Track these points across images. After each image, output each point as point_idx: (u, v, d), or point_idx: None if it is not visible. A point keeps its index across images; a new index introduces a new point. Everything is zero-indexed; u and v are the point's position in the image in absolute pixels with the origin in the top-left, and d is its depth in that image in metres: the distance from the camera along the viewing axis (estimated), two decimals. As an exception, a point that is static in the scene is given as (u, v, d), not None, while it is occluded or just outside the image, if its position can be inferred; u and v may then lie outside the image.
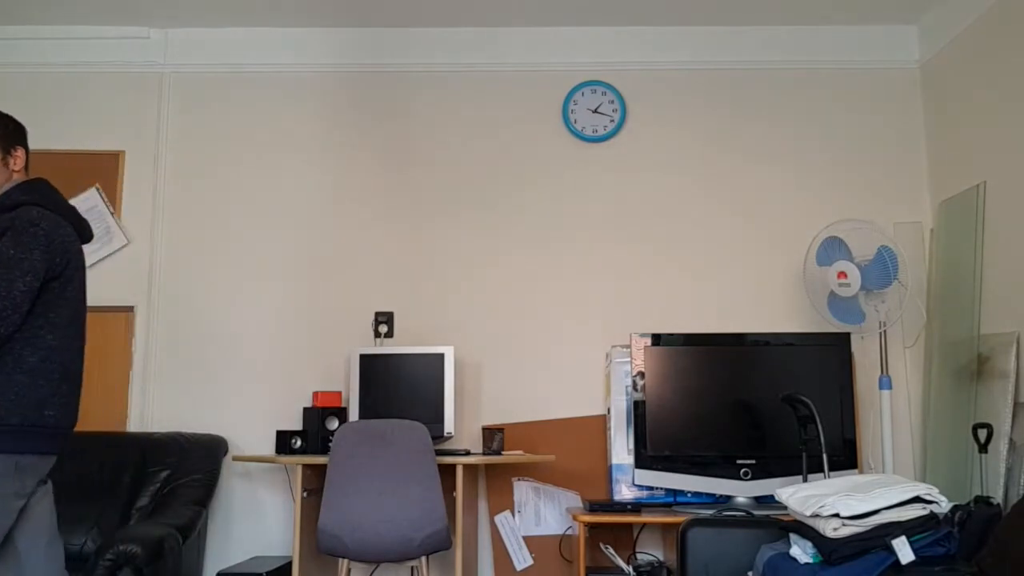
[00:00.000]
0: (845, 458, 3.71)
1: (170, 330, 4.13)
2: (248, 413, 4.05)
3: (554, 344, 4.11)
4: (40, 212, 2.44)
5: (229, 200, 4.22)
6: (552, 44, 4.29)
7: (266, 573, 3.48)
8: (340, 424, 3.66)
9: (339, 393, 3.88)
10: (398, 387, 3.83)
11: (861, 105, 4.26)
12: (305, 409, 3.81)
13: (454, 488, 3.45)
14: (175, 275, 4.16)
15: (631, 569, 3.61)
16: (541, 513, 3.94)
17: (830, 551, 2.56)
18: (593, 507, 3.57)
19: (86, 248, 4.11)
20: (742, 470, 3.69)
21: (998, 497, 3.29)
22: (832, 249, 3.78)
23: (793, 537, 2.75)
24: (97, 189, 4.18)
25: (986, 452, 3.36)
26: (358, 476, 3.27)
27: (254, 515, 4.00)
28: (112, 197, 4.19)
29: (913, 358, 4.09)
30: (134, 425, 4.05)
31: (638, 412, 3.75)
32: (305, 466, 3.55)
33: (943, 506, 2.61)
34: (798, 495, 2.75)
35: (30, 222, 2.40)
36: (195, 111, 4.28)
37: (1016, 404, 3.40)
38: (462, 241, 4.19)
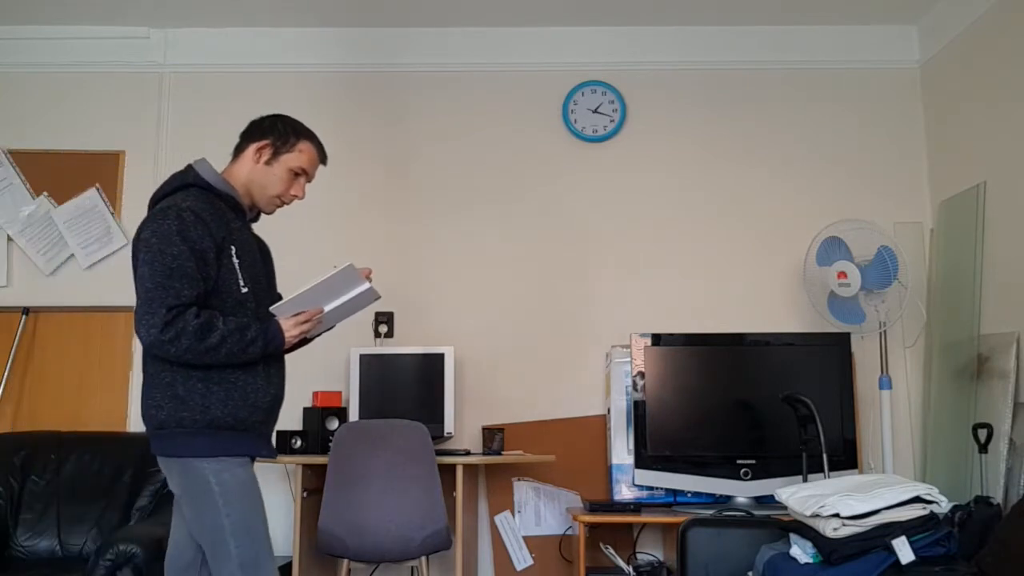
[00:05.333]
0: (845, 458, 3.71)
1: (170, 330, 4.12)
2: (248, 413, 4.05)
3: (554, 344, 4.11)
4: None
5: (229, 200, 4.22)
6: (552, 44, 4.29)
7: (266, 573, 3.48)
8: (340, 424, 3.66)
9: (339, 393, 3.87)
10: (398, 387, 3.83)
11: (861, 105, 4.26)
12: (305, 409, 3.81)
13: (454, 488, 3.45)
14: (175, 275, 4.16)
15: (631, 569, 3.61)
16: (541, 513, 3.94)
17: (830, 551, 2.56)
18: (593, 507, 3.57)
19: (86, 248, 4.12)
20: (742, 470, 3.69)
21: (998, 497, 3.28)
22: (832, 249, 3.78)
23: (793, 537, 2.75)
24: (97, 189, 4.18)
25: (986, 452, 3.36)
26: (358, 476, 3.27)
27: (254, 515, 4.00)
28: (112, 197, 4.19)
29: (913, 358, 4.08)
30: (134, 425, 4.05)
31: (638, 412, 3.75)
32: (305, 466, 3.55)
33: (943, 506, 2.62)
34: (798, 495, 2.75)
35: None
36: (195, 111, 4.28)
37: (1016, 404, 3.40)
38: (462, 241, 4.18)
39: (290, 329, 2.38)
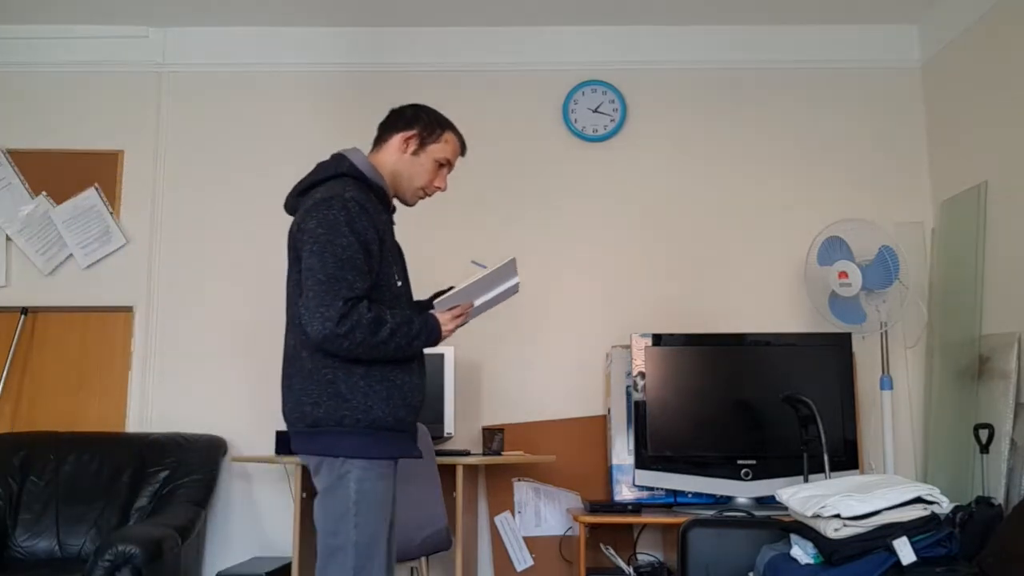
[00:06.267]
0: (846, 458, 3.70)
1: (169, 330, 4.12)
2: (248, 413, 4.04)
3: (554, 344, 4.11)
4: None
5: (228, 200, 4.21)
6: (552, 44, 4.28)
7: (266, 573, 3.48)
8: (340, 424, 3.65)
9: (339, 393, 3.86)
10: (398, 387, 3.81)
11: (861, 105, 4.26)
12: (305, 409, 3.79)
13: (454, 488, 3.44)
14: (174, 275, 4.16)
15: (631, 570, 3.60)
16: (541, 513, 3.93)
17: (831, 552, 2.56)
18: (593, 507, 3.57)
19: (85, 248, 4.12)
20: (743, 470, 3.68)
21: (999, 498, 3.28)
22: (833, 249, 3.78)
23: (794, 538, 2.75)
24: (96, 189, 4.17)
25: (987, 452, 3.36)
26: (358, 476, 3.26)
27: (254, 515, 4.00)
28: (111, 197, 4.18)
29: (914, 358, 4.08)
30: (133, 425, 4.05)
31: (638, 412, 3.74)
32: (305, 466, 3.54)
33: (944, 507, 2.61)
34: (799, 495, 2.75)
35: None
36: (195, 111, 4.27)
37: (1017, 404, 3.39)
38: (461, 241, 4.17)
39: (447, 323, 2.34)
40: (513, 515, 3.93)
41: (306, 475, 3.56)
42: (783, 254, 4.14)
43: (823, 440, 3.35)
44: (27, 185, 4.16)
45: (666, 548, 3.87)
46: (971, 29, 3.84)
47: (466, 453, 3.60)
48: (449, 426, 3.77)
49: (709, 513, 3.26)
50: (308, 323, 2.18)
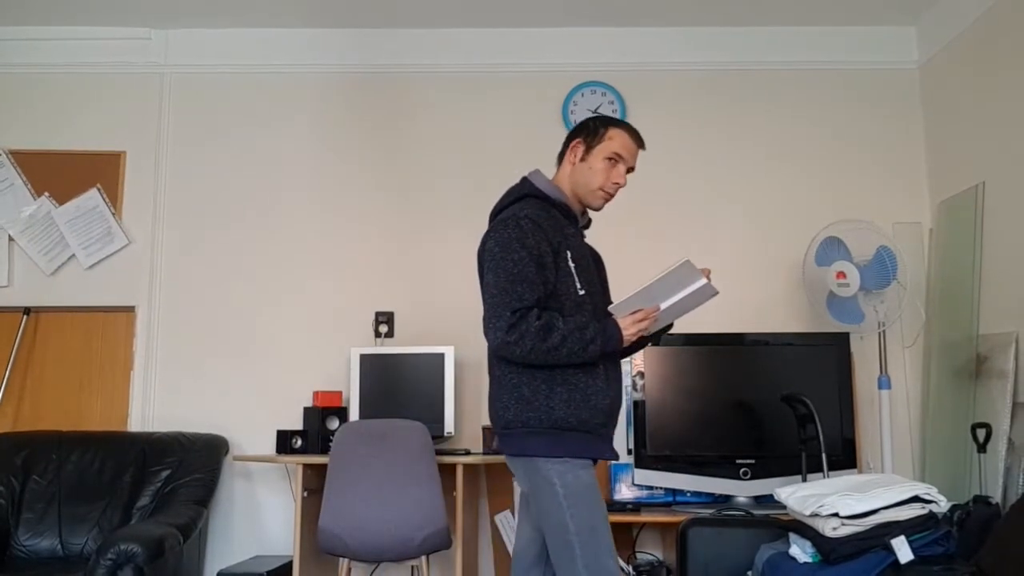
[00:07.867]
0: (844, 458, 3.72)
1: (171, 330, 4.13)
2: (248, 413, 4.06)
3: (554, 344, 4.11)
4: None
5: (229, 200, 4.22)
6: (552, 44, 4.29)
7: (266, 573, 3.49)
8: (340, 424, 3.67)
9: (339, 393, 3.88)
10: (398, 387, 3.83)
11: (861, 105, 4.27)
12: (305, 409, 3.81)
13: (454, 488, 3.46)
14: (176, 275, 4.17)
15: (631, 569, 3.61)
16: (541, 513, 3.94)
17: (829, 550, 2.57)
18: (593, 507, 3.57)
19: (87, 249, 4.13)
20: (741, 470, 3.69)
21: (997, 497, 3.29)
22: (831, 249, 3.79)
23: (792, 537, 2.76)
24: (98, 189, 4.19)
25: (985, 452, 3.37)
26: (358, 476, 3.28)
27: (254, 515, 4.01)
28: (113, 197, 4.20)
29: (912, 358, 4.09)
30: (135, 425, 4.06)
31: (638, 412, 3.76)
32: (305, 466, 3.56)
33: (942, 506, 2.62)
34: (797, 495, 2.76)
35: None
36: (196, 111, 4.29)
37: (1015, 404, 3.40)
38: (463, 240, 4.18)
39: (628, 328, 2.38)
40: (513, 514, 3.93)
41: (306, 474, 3.58)
42: (781, 254, 4.15)
43: (821, 439, 3.36)
44: (29, 186, 4.17)
45: (665, 547, 3.89)
46: (969, 31, 3.85)
47: (466, 452, 3.61)
48: (449, 425, 3.78)
49: (708, 512, 3.27)
50: (485, 333, 2.35)
